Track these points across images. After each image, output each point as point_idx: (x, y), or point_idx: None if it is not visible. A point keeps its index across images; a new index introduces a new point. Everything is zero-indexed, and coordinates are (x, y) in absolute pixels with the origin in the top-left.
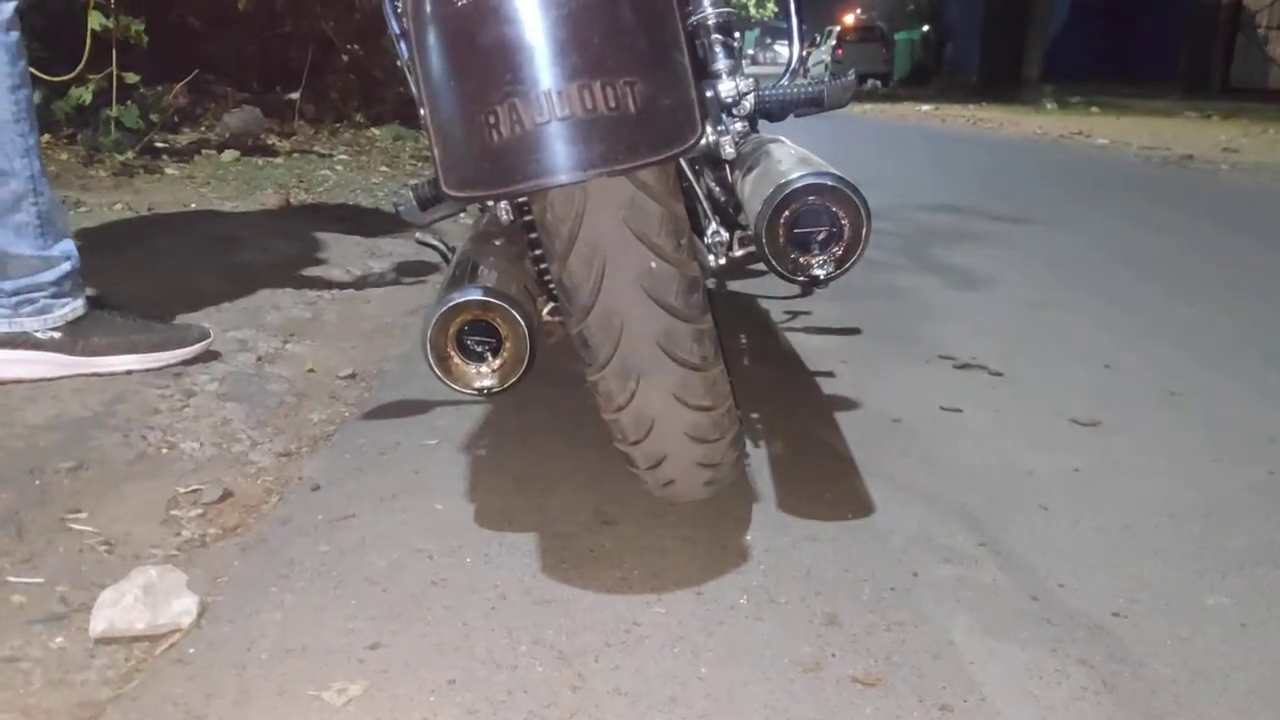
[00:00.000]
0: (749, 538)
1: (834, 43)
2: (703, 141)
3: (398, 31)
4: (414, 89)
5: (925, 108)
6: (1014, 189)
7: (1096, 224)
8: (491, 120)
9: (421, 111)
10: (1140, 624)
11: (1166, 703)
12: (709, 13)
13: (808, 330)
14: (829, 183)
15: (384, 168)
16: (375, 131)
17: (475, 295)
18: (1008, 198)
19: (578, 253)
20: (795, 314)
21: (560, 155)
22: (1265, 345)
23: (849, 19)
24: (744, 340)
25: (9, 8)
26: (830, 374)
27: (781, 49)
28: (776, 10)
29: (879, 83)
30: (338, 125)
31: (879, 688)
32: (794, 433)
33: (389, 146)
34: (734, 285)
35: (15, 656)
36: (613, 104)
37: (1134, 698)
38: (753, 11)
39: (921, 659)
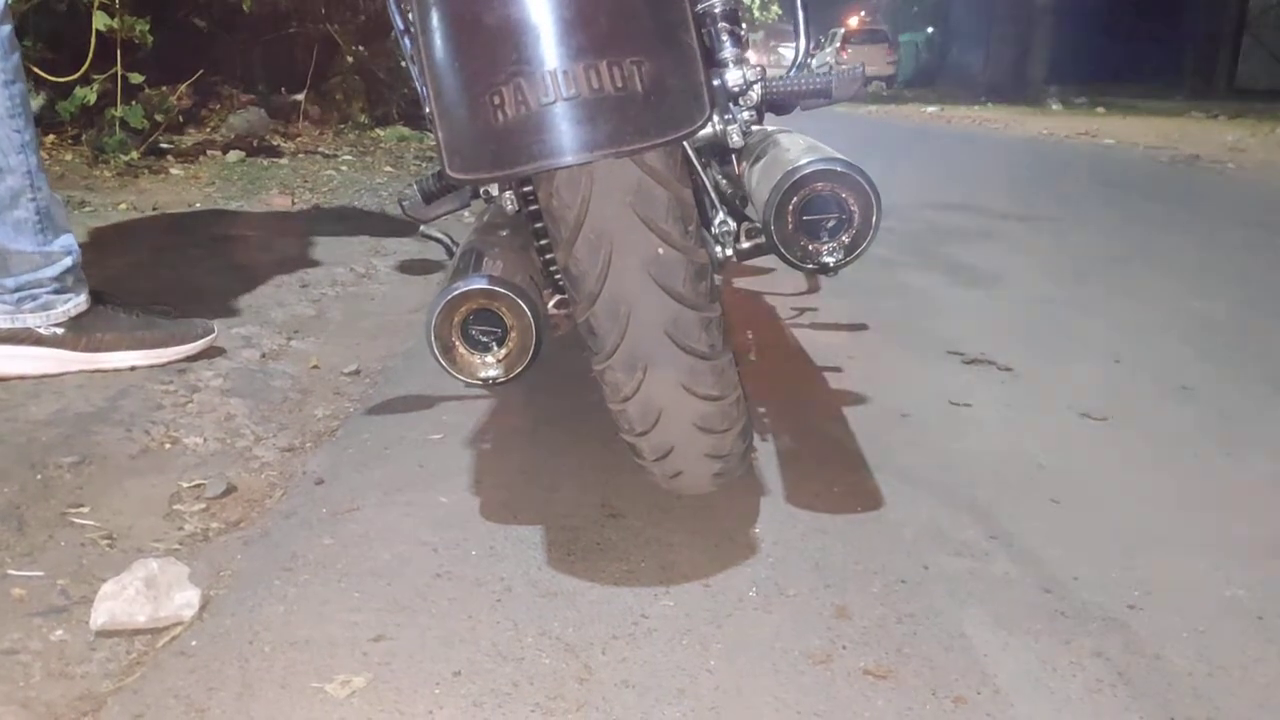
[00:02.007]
0: (757, 530)
1: (838, 45)
2: (710, 129)
3: (402, 28)
4: (417, 77)
5: (930, 109)
6: (1020, 188)
7: (1103, 221)
8: (496, 101)
9: (425, 96)
10: (1156, 616)
11: (1184, 695)
12: (715, 0)
13: (815, 326)
14: (838, 168)
15: (388, 168)
16: (380, 132)
17: (480, 284)
18: (1014, 197)
19: (584, 239)
20: (802, 310)
21: (566, 136)
22: (1276, 338)
23: (853, 21)
24: (751, 335)
25: (0, 1)
26: (838, 369)
27: (786, 51)
28: (781, 13)
29: (884, 84)
30: (342, 126)
31: (890, 680)
32: (802, 427)
33: (393, 147)
34: (741, 281)
35: (15, 649)
36: (619, 84)
37: (1151, 690)
38: (757, 15)
39: (933, 651)
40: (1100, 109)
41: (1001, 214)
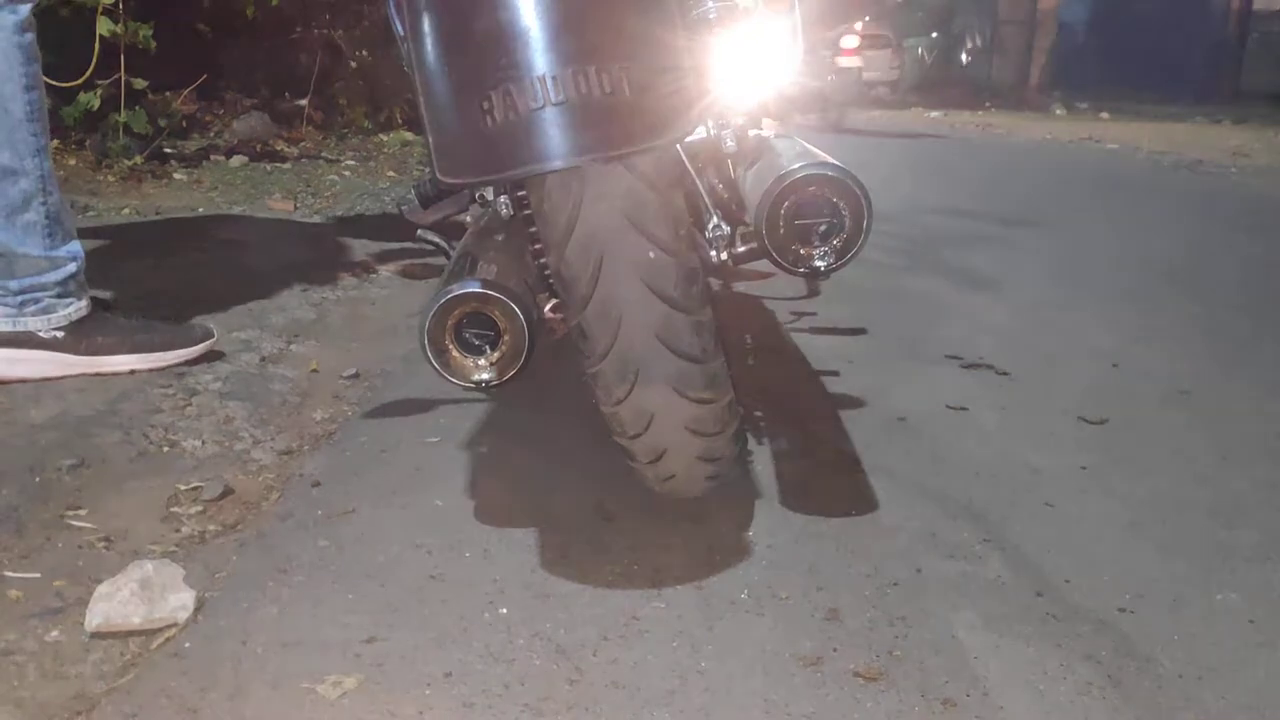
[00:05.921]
0: (751, 533)
1: (842, 50)
2: (703, 134)
3: (402, 34)
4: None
5: (934, 114)
6: (1022, 193)
7: (1105, 226)
8: (486, 106)
9: (419, 101)
10: (1146, 620)
11: (1173, 698)
12: (710, 6)
13: (813, 330)
14: (829, 173)
15: (391, 173)
16: (383, 137)
17: (473, 288)
18: (1016, 201)
19: (575, 242)
20: (801, 314)
21: (555, 140)
22: (1275, 344)
23: (858, 26)
24: (749, 339)
25: (25, 9)
26: (835, 373)
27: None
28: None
29: (888, 89)
30: (345, 131)
31: (880, 682)
32: (798, 430)
33: (397, 152)
34: (741, 285)
35: (10, 650)
36: (608, 89)
37: (1140, 693)
38: None
39: (924, 654)
40: (1104, 114)
41: (1002, 219)
